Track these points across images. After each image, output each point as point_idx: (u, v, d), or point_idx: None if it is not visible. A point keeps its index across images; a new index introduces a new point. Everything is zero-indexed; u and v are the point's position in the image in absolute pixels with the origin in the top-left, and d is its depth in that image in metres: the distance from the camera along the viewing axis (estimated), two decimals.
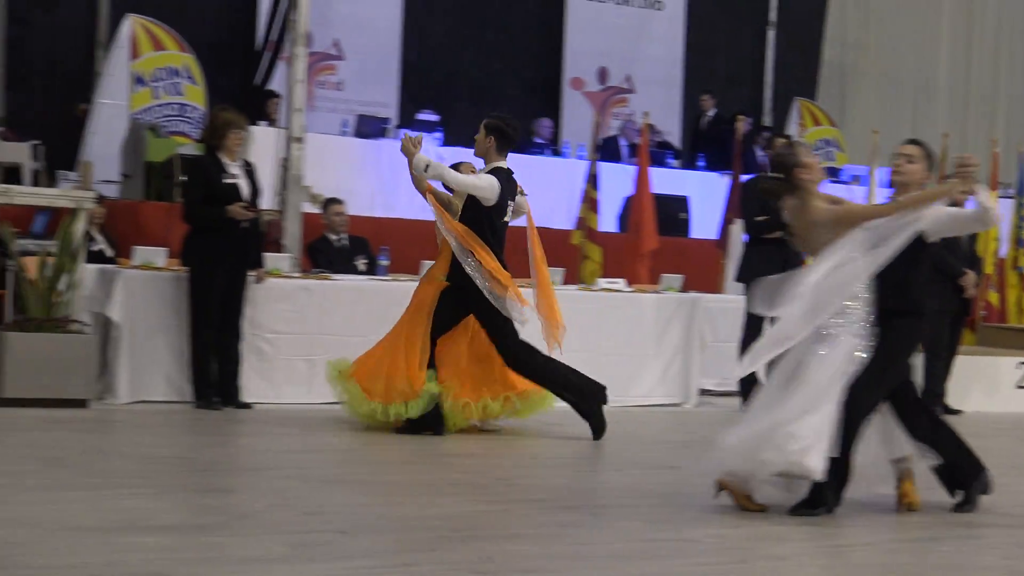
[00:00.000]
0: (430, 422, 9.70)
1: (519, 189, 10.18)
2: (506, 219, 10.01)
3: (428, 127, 17.26)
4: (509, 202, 9.94)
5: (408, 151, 9.81)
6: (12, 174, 16.55)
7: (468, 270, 9.70)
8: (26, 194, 11.66)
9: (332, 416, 10.49)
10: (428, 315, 9.87)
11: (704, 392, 12.87)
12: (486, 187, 9.77)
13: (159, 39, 17.61)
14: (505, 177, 9.92)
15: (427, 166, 9.75)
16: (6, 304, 11.20)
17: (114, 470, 8.07)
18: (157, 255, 11.10)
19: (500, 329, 9.88)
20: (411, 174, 10.07)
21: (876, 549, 6.96)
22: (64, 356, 10.13)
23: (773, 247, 12.27)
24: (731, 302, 12.90)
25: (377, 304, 11.42)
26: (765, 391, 7.64)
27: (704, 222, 16.81)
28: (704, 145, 19.92)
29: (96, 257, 12.07)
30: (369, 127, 16.97)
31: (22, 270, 10.41)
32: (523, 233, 10.51)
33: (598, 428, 10.04)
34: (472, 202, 9.85)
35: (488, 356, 10.07)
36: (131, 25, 17.51)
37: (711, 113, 20.71)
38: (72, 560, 5.55)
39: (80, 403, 10.12)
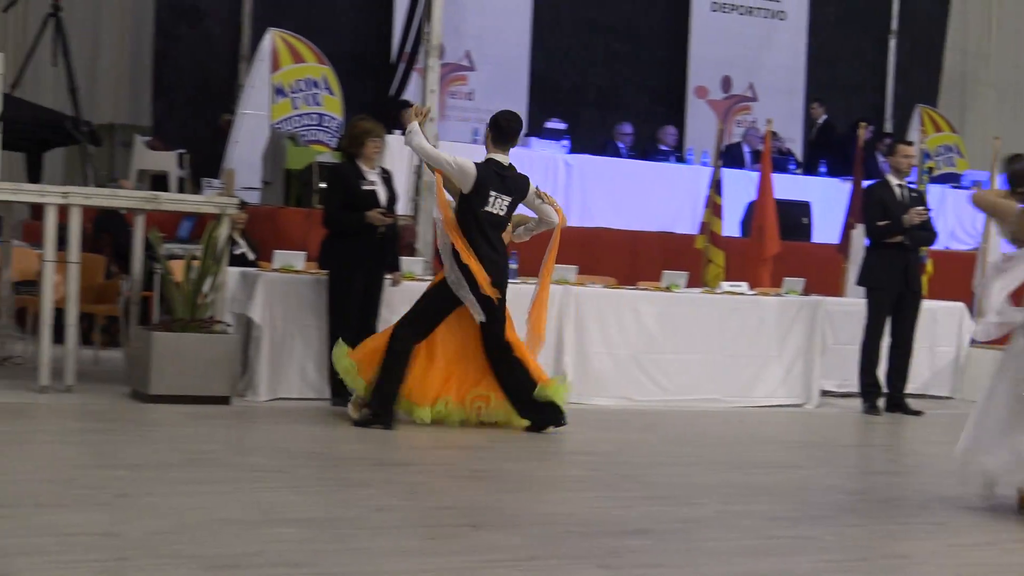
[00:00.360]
0: (380, 416, 9.65)
1: (539, 193, 10.04)
2: (490, 209, 9.69)
3: (556, 135, 17.30)
4: (493, 193, 9.66)
5: (406, 119, 9.95)
6: (159, 181, 16.87)
7: (443, 255, 9.74)
8: (172, 200, 11.82)
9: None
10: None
11: (825, 393, 12.74)
12: (456, 169, 9.68)
13: (298, 52, 17.82)
14: (494, 169, 9.78)
15: (410, 133, 9.79)
16: (153, 305, 11.40)
17: (255, 464, 8.17)
18: (296, 259, 11.22)
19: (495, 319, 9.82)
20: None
21: (995, 549, 6.86)
22: (208, 355, 10.24)
23: (894, 251, 12.17)
24: (852, 305, 12.81)
25: (509, 305, 11.46)
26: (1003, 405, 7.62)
27: (826, 227, 16.67)
28: (817, 151, 19.75)
29: (238, 260, 12.21)
30: None
31: (168, 273, 10.56)
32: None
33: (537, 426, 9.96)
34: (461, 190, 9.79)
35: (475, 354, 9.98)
36: (272, 39, 17.73)
37: (821, 120, 20.52)
38: (217, 550, 5.64)
39: (223, 400, 10.24)
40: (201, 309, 10.36)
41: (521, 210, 10.15)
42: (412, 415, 9.80)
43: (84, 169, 12.01)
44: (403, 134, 15.24)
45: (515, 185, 9.87)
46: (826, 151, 19.51)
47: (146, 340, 10.21)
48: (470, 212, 9.67)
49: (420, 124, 9.91)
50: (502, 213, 9.81)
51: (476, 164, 9.73)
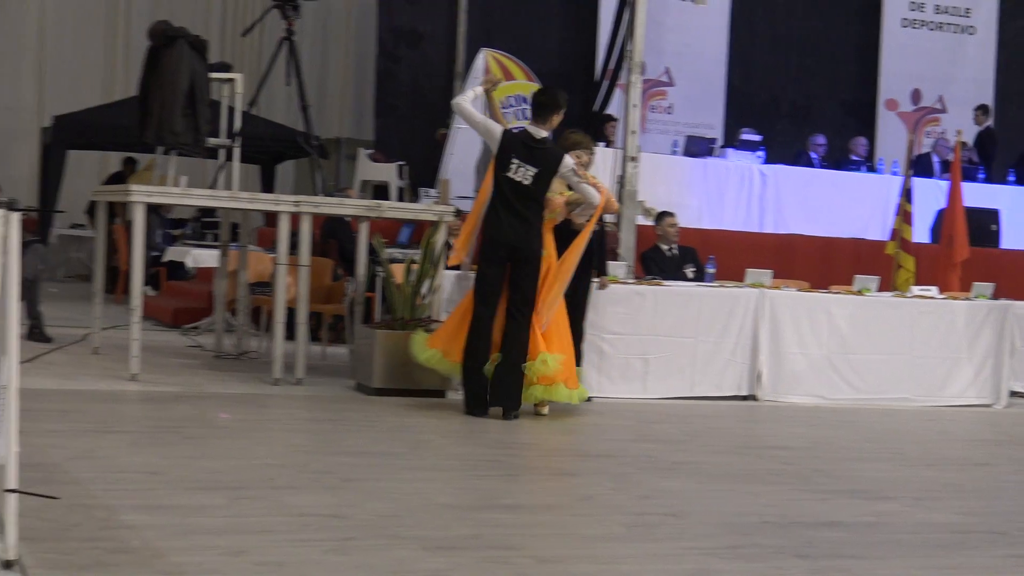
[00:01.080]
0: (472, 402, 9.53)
1: (577, 171, 9.78)
2: (512, 176, 9.47)
3: (751, 146, 17.14)
4: (516, 161, 9.46)
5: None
6: (381, 191, 17.12)
7: None
8: (393, 209, 11.98)
9: (664, 409, 10.52)
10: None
11: (1014, 394, 12.39)
12: (484, 129, 9.88)
13: (509, 70, 17.91)
14: (522, 139, 9.64)
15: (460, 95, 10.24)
16: (375, 305, 11.56)
17: (469, 453, 8.24)
18: None
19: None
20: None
21: None
22: None
23: None
24: None
25: (705, 308, 11.41)
26: None
27: (1014, 234, 16.23)
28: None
29: (454, 264, 12.31)
30: (697, 147, 16.91)
31: (390, 276, 10.70)
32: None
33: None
34: None
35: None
36: (485, 58, 17.86)
37: (984, 127, 19.93)
38: (437, 532, 5.69)
39: (439, 393, 10.32)
40: (420, 309, 10.46)
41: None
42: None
43: (313, 180, 12.21)
44: (607, 146, 15.31)
45: (543, 157, 9.58)
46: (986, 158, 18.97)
47: (369, 338, 10.36)
48: (495, 176, 9.63)
49: (486, 91, 10.21)
50: (526, 182, 9.51)
51: (504, 130, 9.75)
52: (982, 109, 19.78)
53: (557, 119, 9.81)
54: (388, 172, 17.70)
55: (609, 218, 12.11)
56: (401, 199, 16.36)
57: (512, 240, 9.48)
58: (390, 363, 10.24)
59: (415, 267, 10.51)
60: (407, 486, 6.78)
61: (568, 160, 9.69)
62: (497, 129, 9.69)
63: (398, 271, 10.78)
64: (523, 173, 9.50)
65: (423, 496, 6.49)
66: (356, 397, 10.21)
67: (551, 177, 9.62)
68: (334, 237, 14.29)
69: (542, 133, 9.67)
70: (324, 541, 5.41)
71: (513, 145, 9.57)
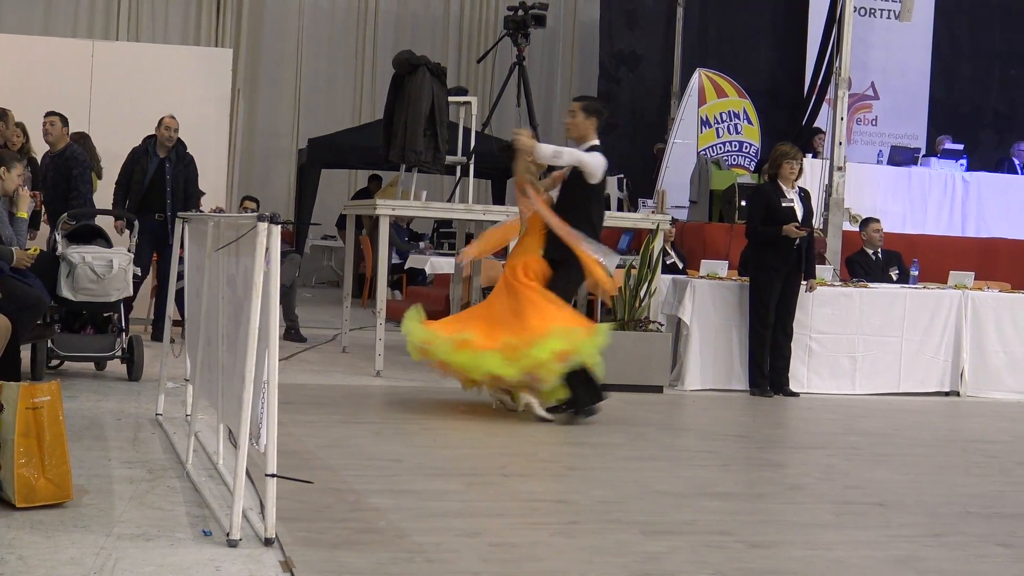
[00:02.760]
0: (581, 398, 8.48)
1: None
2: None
3: (953, 155, 16.68)
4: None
5: (525, 144, 8.64)
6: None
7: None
8: (614, 218, 11.99)
9: (871, 405, 10.30)
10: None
11: None
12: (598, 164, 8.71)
13: (721, 88, 17.79)
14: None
15: (553, 153, 8.74)
16: (596, 307, 11.58)
17: (685, 445, 8.19)
18: (720, 267, 11.20)
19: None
20: (517, 167, 8.78)
21: None
22: (644, 350, 10.32)
23: None
24: None
25: (909, 308, 11.18)
26: None
27: None
28: None
29: (670, 269, 12.28)
30: (901, 156, 16.54)
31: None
32: None
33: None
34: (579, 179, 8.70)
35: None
36: (699, 77, 17.78)
37: None
38: (655, 517, 5.67)
39: (657, 389, 10.30)
40: (638, 311, 10.46)
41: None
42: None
43: None
44: (814, 157, 15.08)
45: None
46: None
47: None
48: (597, 191, 8.97)
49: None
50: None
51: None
52: None
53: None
54: (610, 184, 17.74)
55: (817, 224, 11.93)
56: (621, 209, 16.33)
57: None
58: (611, 361, 10.14)
59: (634, 272, 10.50)
60: (628, 474, 6.77)
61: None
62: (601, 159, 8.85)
63: (618, 275, 10.77)
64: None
65: (643, 484, 6.47)
66: None
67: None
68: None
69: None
70: (551, 524, 5.44)
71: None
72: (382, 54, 20.79)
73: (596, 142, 8.88)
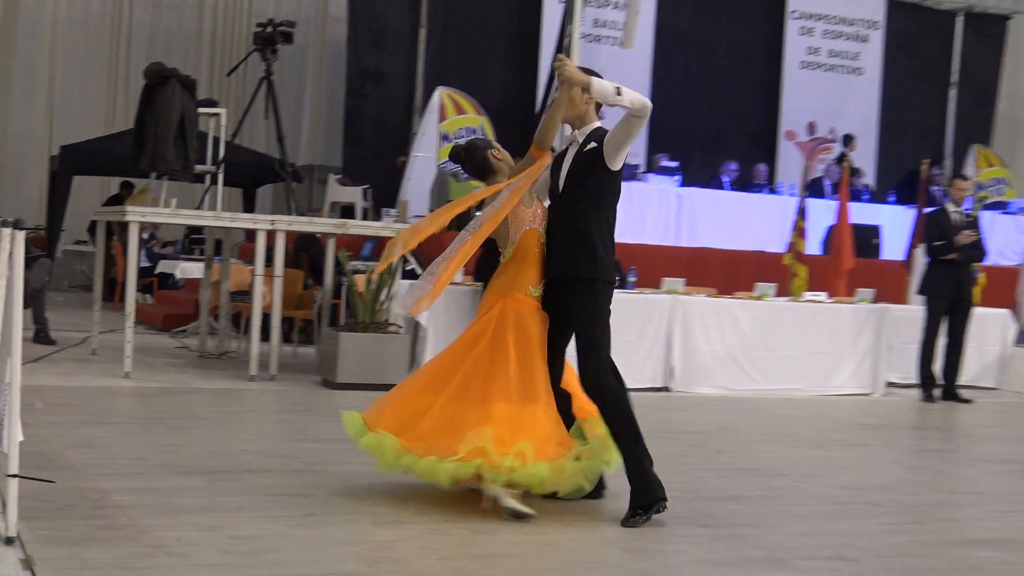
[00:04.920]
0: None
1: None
2: None
3: (669, 171, 17.22)
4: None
5: (575, 76, 5.93)
6: (347, 211, 17.07)
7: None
8: (358, 226, 11.99)
9: None
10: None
11: (890, 384, 12.53)
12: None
13: (460, 105, 17.94)
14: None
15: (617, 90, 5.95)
16: (340, 311, 11.56)
17: None
18: (456, 273, 11.29)
19: None
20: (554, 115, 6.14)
21: None
22: (383, 351, 10.35)
23: (949, 266, 12.08)
24: (914, 311, 12.60)
25: (625, 311, 11.42)
26: None
27: (893, 246, 16.39)
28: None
29: (409, 275, 12.32)
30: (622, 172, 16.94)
31: (353, 285, 10.71)
32: None
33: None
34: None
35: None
36: (440, 95, 17.88)
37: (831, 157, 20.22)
38: (390, 509, 5.70)
39: (392, 387, 10.31)
40: (379, 314, 10.48)
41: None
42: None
43: (288, 201, 12.19)
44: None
45: None
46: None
47: (334, 339, 10.37)
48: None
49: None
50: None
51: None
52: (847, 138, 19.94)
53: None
54: (354, 194, 17.66)
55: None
56: (365, 218, 16.32)
57: None
58: (352, 361, 10.27)
59: (375, 277, 10.50)
60: (361, 468, 6.77)
61: None
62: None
63: (360, 281, 10.80)
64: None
65: (375, 477, 6.47)
66: (322, 391, 10.19)
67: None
68: (305, 251, 14.26)
69: None
70: (290, 517, 5.45)
71: None
72: (135, 65, 20.19)
73: (599, 124, 6.26)
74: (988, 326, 13.46)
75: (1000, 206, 19.31)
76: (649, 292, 11.88)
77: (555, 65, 5.94)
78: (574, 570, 5.04)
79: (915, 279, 13.33)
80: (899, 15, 22.53)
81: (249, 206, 18.08)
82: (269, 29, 11.66)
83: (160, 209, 11.14)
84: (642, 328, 11.56)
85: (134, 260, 10.54)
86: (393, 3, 19.72)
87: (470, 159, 6.63)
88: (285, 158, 12.16)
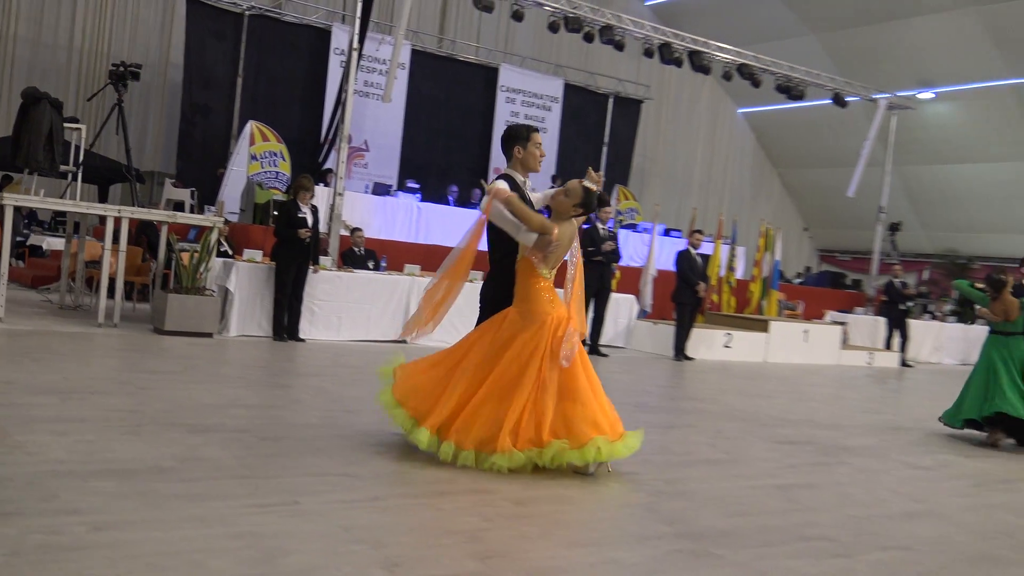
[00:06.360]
0: None
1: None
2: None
3: (413, 191, 17.26)
4: None
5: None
6: (179, 206, 16.41)
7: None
8: (185, 218, 11.51)
9: (351, 348, 10.42)
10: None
11: None
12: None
13: (266, 135, 17.46)
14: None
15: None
16: (170, 278, 11.11)
17: (226, 373, 8.03)
18: (257, 255, 11.04)
19: None
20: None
21: None
22: (201, 308, 10.05)
23: (596, 265, 12.42)
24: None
25: (379, 288, 11.49)
26: None
27: None
28: None
29: (223, 254, 11.97)
30: (380, 189, 16.95)
31: (180, 260, 10.32)
32: None
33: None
34: None
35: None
36: (251, 126, 17.37)
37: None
38: (202, 420, 5.53)
39: (208, 335, 10.05)
40: (198, 281, 10.16)
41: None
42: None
43: (132, 197, 11.59)
44: (326, 186, 15.09)
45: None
46: None
47: (163, 298, 9.98)
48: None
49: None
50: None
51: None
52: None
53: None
54: (184, 194, 17.05)
55: (323, 229, 11.97)
56: (191, 212, 15.68)
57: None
58: (177, 315, 9.92)
59: (196, 255, 10.21)
60: (181, 391, 6.56)
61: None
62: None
63: (185, 257, 10.42)
64: None
65: (193, 398, 6.30)
66: (153, 337, 9.74)
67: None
68: (144, 234, 13.61)
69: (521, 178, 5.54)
70: (124, 426, 5.22)
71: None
72: (16, 88, 18.75)
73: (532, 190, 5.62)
74: (620, 306, 14.06)
75: (632, 226, 20.22)
76: (395, 274, 11.89)
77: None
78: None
79: None
80: (572, 94, 23.29)
81: (103, 198, 17.09)
82: (122, 68, 11.06)
83: (31, 197, 10.40)
84: (389, 297, 11.55)
85: (8, 234, 9.80)
86: (218, 55, 19.09)
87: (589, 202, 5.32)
88: (131, 164, 11.60)
